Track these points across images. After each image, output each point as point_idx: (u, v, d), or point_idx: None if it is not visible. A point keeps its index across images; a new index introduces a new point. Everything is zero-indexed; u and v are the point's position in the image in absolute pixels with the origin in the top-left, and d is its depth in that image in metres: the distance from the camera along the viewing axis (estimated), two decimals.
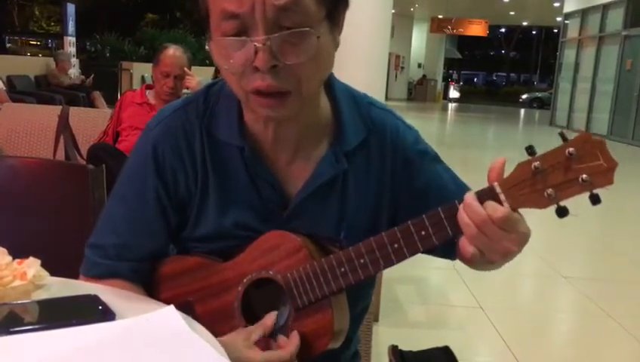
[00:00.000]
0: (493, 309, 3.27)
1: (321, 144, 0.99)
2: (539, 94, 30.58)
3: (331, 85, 1.01)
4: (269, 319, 0.95)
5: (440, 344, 1.22)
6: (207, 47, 0.89)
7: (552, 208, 0.81)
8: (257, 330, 0.93)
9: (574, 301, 3.71)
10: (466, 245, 0.85)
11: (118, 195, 1.02)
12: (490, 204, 0.82)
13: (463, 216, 0.84)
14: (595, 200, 0.79)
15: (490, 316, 3.17)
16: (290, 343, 0.93)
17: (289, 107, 0.88)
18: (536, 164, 0.80)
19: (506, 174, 0.84)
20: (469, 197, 0.83)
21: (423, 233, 0.87)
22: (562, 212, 0.80)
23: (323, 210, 0.99)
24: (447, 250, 0.94)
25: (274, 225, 0.97)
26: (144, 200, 0.99)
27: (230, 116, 0.98)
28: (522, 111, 26.58)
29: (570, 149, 0.78)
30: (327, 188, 0.99)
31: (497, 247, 0.84)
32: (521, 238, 0.85)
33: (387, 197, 1.03)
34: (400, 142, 1.03)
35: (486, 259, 0.86)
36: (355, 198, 1.00)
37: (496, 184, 0.83)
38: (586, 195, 0.79)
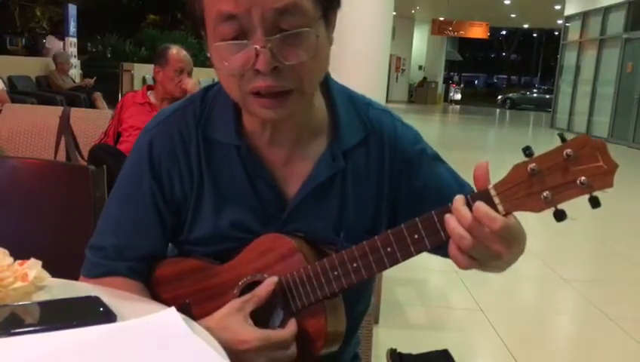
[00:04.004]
0: (492, 311, 3.26)
1: (319, 144, 0.99)
2: (510, 95, 31.46)
3: (328, 85, 1.01)
4: (262, 289, 0.92)
5: (440, 346, 1.23)
6: (208, 54, 0.89)
7: (551, 212, 0.78)
8: (252, 300, 0.92)
9: (574, 303, 3.70)
10: (451, 249, 0.82)
11: (116, 196, 1.03)
12: (483, 208, 0.78)
13: (449, 221, 0.81)
14: (594, 203, 0.75)
15: (490, 318, 3.17)
16: (289, 326, 0.92)
17: (290, 106, 0.88)
18: (533, 165, 0.77)
19: (502, 176, 0.80)
20: (457, 202, 0.80)
21: (416, 236, 0.85)
22: (560, 215, 0.77)
23: (322, 210, 0.99)
24: (444, 249, 0.91)
25: (272, 226, 0.97)
26: (140, 201, 0.99)
27: (227, 116, 0.98)
28: (523, 114, 26.55)
29: (568, 150, 0.75)
30: (325, 188, 0.98)
31: (486, 250, 0.80)
32: (512, 242, 0.81)
33: (386, 197, 1.02)
34: (398, 142, 1.02)
35: (477, 264, 0.83)
36: (355, 198, 1.00)
37: (490, 187, 0.80)
38: (585, 198, 0.76)
